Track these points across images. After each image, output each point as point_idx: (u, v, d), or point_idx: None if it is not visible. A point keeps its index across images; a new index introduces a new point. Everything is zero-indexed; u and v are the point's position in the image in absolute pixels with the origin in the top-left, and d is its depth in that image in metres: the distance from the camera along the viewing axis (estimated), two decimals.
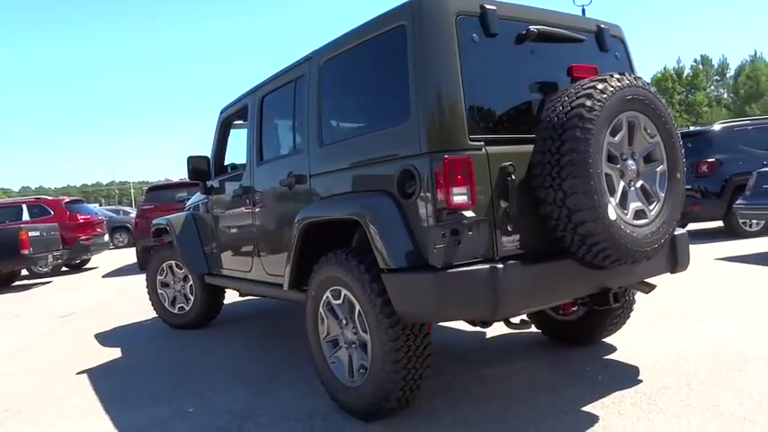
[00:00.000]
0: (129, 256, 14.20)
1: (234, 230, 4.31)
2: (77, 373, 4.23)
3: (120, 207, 33.04)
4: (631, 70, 3.19)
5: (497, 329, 3.74)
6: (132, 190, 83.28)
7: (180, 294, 5.45)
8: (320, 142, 3.14)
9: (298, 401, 3.21)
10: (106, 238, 13.44)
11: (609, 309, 3.12)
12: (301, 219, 3.09)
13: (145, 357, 4.54)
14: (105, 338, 5.37)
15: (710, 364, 3.19)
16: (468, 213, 2.39)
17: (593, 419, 2.64)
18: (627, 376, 3.16)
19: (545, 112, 2.56)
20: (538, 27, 2.75)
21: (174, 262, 5.41)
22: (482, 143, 2.49)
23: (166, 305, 5.53)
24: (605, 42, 3.11)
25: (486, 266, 2.36)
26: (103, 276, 11.16)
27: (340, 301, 2.91)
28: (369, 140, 2.80)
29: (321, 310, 3.06)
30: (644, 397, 2.84)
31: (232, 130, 4.69)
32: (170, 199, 11.45)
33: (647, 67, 68.33)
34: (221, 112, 4.58)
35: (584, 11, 21.59)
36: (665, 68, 55.16)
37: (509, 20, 2.69)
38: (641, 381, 3.07)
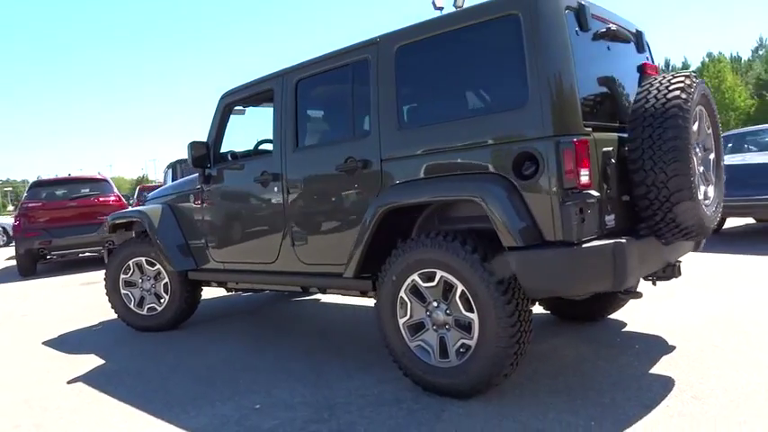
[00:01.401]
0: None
1: (249, 220, 4.08)
2: (68, 382, 3.74)
3: None
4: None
5: None
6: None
7: (150, 294, 4.99)
8: (398, 126, 3.14)
9: (372, 389, 3.17)
10: None
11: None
12: (385, 203, 3.07)
13: (137, 362, 4.11)
14: (63, 345, 4.75)
15: (718, 327, 3.70)
16: (594, 192, 2.58)
17: (668, 380, 2.96)
18: (658, 343, 3.55)
19: (636, 103, 2.83)
20: (614, 26, 3.03)
21: (144, 258, 4.95)
22: (590, 129, 2.70)
23: (132, 306, 5.03)
24: (642, 44, 3.48)
25: (612, 241, 2.57)
26: None
27: (433, 284, 2.94)
28: (469, 124, 2.87)
29: (402, 294, 3.06)
30: (692, 357, 3.23)
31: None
32: (61, 196, 10.33)
33: None
34: (224, 97, 4.31)
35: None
36: None
37: (594, 18, 2.94)
38: (674, 346, 3.47)
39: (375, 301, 3.24)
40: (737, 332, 3.61)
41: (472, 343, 2.82)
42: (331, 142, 3.60)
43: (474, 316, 2.79)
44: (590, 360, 3.37)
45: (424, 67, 3.13)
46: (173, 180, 11.43)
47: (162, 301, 4.94)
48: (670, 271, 3.16)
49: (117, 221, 5.29)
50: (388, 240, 3.19)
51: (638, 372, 3.12)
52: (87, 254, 11.51)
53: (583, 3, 2.83)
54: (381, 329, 3.18)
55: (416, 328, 3.06)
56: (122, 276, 5.05)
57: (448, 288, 2.90)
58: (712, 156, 3.14)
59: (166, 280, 4.87)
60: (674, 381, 2.94)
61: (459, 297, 2.85)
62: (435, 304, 2.97)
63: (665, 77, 2.88)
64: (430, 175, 3.01)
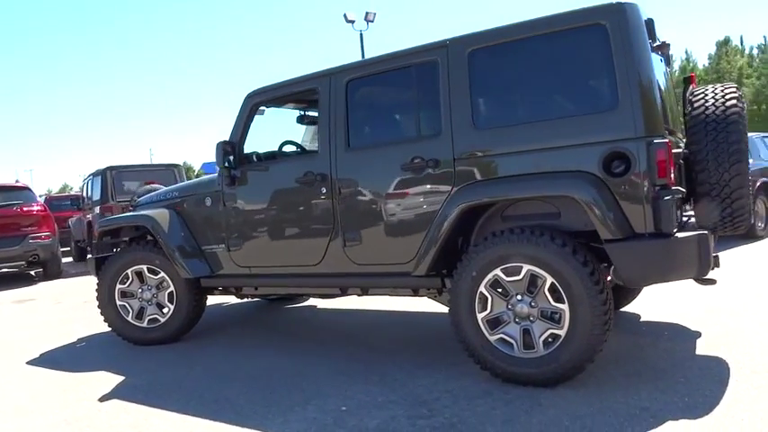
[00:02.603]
0: None
1: (288, 222, 3.97)
2: (100, 400, 3.44)
3: None
4: None
5: None
6: None
7: (150, 304, 4.68)
8: (474, 126, 3.24)
9: (450, 384, 3.22)
10: None
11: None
12: (470, 199, 3.16)
13: (164, 374, 3.85)
14: (56, 365, 4.33)
15: (724, 314, 4.12)
16: (681, 189, 2.84)
17: (718, 360, 3.27)
18: (682, 329, 3.91)
19: (696, 110, 3.14)
20: (665, 40, 3.35)
21: (145, 266, 4.64)
22: (666, 131, 2.97)
23: (129, 318, 4.69)
24: (667, 56, 3.84)
25: (697, 233, 2.83)
26: None
27: (517, 278, 3.06)
28: (554, 125, 3.03)
29: (482, 289, 3.15)
30: (722, 339, 3.59)
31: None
32: None
33: None
34: (252, 96, 4.17)
35: None
36: None
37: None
38: (699, 331, 3.83)
39: (450, 298, 3.30)
40: (743, 317, 4.06)
41: (562, 332, 2.96)
42: (392, 142, 3.61)
43: (564, 307, 2.94)
44: (636, 346, 3.63)
45: (501, 70, 3.26)
46: (101, 190, 10.65)
47: (165, 311, 4.65)
48: (714, 261, 3.50)
49: (106, 228, 4.91)
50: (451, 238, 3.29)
51: (686, 354, 3.42)
52: (5, 270, 10.46)
53: (650, 17, 3.11)
54: (457, 325, 3.24)
55: (496, 322, 3.16)
56: (119, 286, 4.70)
57: (534, 281, 3.03)
58: None
59: (171, 288, 4.59)
60: (724, 359, 3.25)
61: (548, 289, 2.99)
62: (519, 297, 3.09)
63: (716, 88, 3.23)
64: (513, 174, 3.14)
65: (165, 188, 5.27)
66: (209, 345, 4.57)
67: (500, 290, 3.13)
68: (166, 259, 4.53)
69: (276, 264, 4.09)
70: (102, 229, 4.92)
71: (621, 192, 2.86)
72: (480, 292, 3.16)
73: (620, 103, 2.87)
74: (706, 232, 2.87)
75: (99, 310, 4.78)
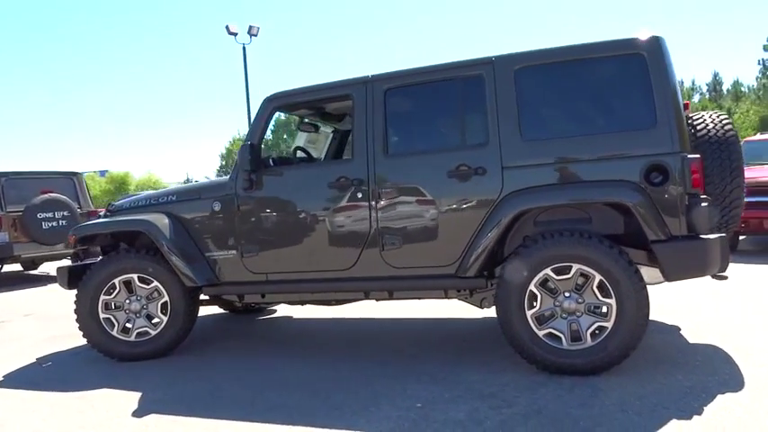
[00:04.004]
0: None
1: (316, 226, 3.94)
2: (135, 415, 3.16)
3: None
4: None
5: None
6: None
7: (139, 317, 4.34)
8: (521, 138, 3.52)
9: (502, 377, 3.42)
10: None
11: None
12: (524, 205, 3.41)
13: (193, 387, 3.62)
14: (34, 384, 3.86)
15: (688, 306, 4.77)
16: (708, 197, 3.33)
17: (720, 351, 3.82)
18: (663, 326, 4.46)
19: (700, 132, 3.70)
20: None
21: (136, 275, 4.30)
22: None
23: (114, 332, 4.31)
24: None
25: (719, 235, 3.33)
26: None
27: (567, 276, 3.37)
28: (598, 139, 3.41)
29: (532, 287, 3.42)
30: (706, 327, 4.17)
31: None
32: None
33: None
34: (272, 99, 4.11)
35: None
36: None
37: None
38: (678, 325, 4.40)
39: (498, 297, 3.50)
40: (717, 311, 4.73)
41: (609, 324, 3.30)
42: (435, 150, 3.78)
43: (612, 301, 3.29)
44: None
45: (547, 87, 3.58)
46: None
47: (156, 323, 4.33)
48: None
49: (85, 234, 4.49)
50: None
51: (681, 343, 3.94)
52: None
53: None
54: (506, 322, 3.47)
55: (544, 317, 3.43)
56: (103, 298, 4.31)
57: (584, 279, 3.35)
58: None
59: (165, 298, 4.30)
60: (726, 352, 3.71)
61: (597, 286, 3.32)
62: (567, 294, 3.39)
63: (711, 115, 3.81)
64: (558, 182, 3.46)
65: (150, 192, 4.93)
66: (212, 357, 4.34)
67: (549, 288, 3.42)
68: (161, 267, 4.26)
69: (300, 269, 4.03)
70: (80, 235, 4.48)
71: (660, 199, 3.29)
72: (530, 290, 3.42)
73: (659, 122, 3.31)
74: (724, 234, 3.38)
75: (78, 324, 4.34)
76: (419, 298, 4.08)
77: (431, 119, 3.92)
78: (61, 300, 6.70)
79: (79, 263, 4.65)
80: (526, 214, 3.55)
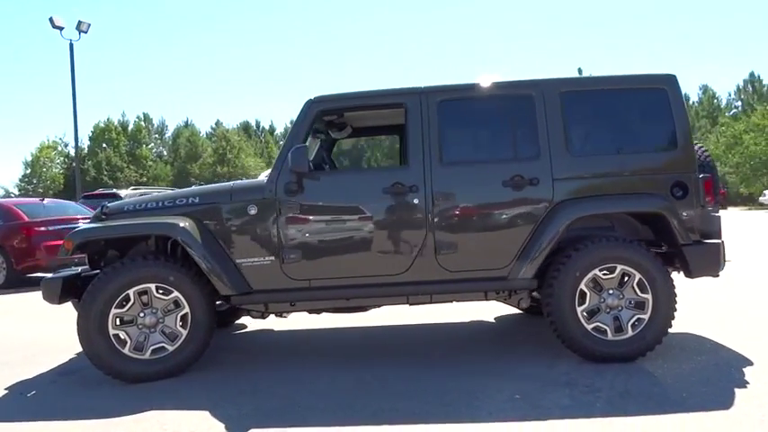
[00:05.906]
0: None
1: (369, 231, 3.95)
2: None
3: None
4: None
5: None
6: None
7: (155, 332, 3.90)
8: (568, 153, 3.95)
9: (568, 369, 3.76)
10: None
11: None
12: (580, 212, 3.83)
13: (243, 400, 3.39)
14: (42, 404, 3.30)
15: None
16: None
17: (718, 344, 4.59)
18: None
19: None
20: None
21: (154, 285, 3.87)
22: None
23: (126, 351, 3.82)
24: None
25: (721, 240, 4.07)
26: None
27: (612, 275, 3.85)
28: (633, 158, 3.98)
29: (582, 286, 3.84)
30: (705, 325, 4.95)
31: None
32: None
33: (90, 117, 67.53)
34: (316, 102, 4.03)
35: None
36: (108, 119, 56.59)
37: None
38: None
39: (550, 297, 3.86)
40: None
41: (646, 316, 3.84)
42: (491, 160, 4.02)
43: (648, 296, 3.84)
44: None
45: (587, 109, 4.09)
46: None
47: (175, 338, 3.92)
48: None
49: (93, 237, 3.94)
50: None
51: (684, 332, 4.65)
52: None
53: None
54: (559, 319, 3.84)
55: (591, 313, 3.87)
56: (114, 311, 3.80)
57: (624, 277, 3.86)
58: None
59: (186, 310, 3.93)
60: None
61: (637, 283, 3.85)
62: (610, 291, 3.87)
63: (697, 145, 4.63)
64: (601, 193, 3.95)
65: (165, 193, 4.43)
66: (240, 370, 4.05)
67: (596, 286, 3.87)
68: (182, 275, 3.90)
69: (348, 274, 3.99)
70: (79, 241, 3.88)
71: (683, 210, 3.94)
72: (581, 288, 3.84)
73: (678, 146, 3.98)
74: (722, 239, 4.14)
75: (82, 345, 3.77)
76: (461, 300, 4.28)
77: (484, 131, 4.21)
78: None
79: (72, 273, 4.02)
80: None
